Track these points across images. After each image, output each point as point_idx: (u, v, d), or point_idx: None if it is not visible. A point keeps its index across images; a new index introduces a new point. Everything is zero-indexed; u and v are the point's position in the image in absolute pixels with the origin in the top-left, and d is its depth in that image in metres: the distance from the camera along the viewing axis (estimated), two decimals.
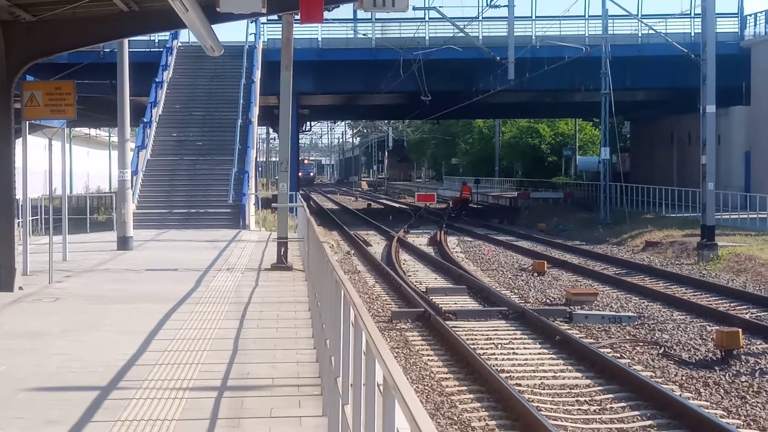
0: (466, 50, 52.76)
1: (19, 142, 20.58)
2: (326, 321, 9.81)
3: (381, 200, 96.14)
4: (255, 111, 45.51)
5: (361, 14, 56.07)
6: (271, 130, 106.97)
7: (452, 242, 43.69)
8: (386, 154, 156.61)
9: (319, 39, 56.66)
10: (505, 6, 52.40)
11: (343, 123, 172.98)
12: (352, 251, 38.41)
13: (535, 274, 30.83)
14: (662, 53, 52.87)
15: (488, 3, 49.57)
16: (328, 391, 9.10)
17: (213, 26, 20.66)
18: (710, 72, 34.95)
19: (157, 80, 46.60)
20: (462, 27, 50.28)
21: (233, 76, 48.20)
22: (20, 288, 19.29)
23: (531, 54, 52.29)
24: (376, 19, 56.82)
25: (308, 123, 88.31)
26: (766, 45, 53.45)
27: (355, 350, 6.35)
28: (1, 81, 19.05)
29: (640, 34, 56.11)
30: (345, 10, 59.01)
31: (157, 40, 53.83)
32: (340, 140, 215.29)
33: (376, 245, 42.24)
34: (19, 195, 21.23)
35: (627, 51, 54.85)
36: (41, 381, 11.11)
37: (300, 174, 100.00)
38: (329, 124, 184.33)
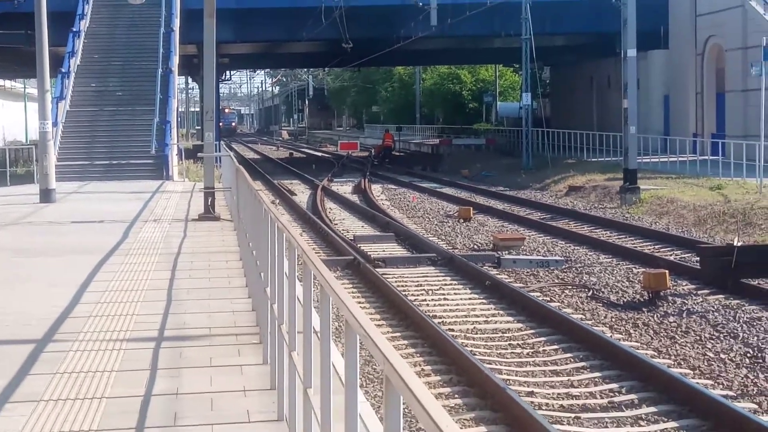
0: None
1: None
2: (264, 269, 9.76)
3: (303, 149, 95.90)
4: (175, 60, 45.01)
5: None
6: (189, 80, 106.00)
7: (377, 190, 43.73)
8: (306, 102, 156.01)
9: None
10: None
11: (262, 72, 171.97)
12: (277, 200, 38.30)
13: (461, 221, 30.96)
14: None
15: None
16: (269, 339, 9.08)
17: None
18: (631, 16, 35.15)
19: (74, 30, 45.84)
20: None
21: (152, 24, 47.54)
22: None
23: (452, 0, 52.17)
24: None
25: (228, 72, 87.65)
26: None
27: (304, 295, 6.32)
28: None
29: None
30: None
31: None
32: (260, 89, 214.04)
33: (301, 194, 42.17)
34: None
35: None
36: None
37: (221, 124, 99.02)
38: (248, 73, 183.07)
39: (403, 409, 3.60)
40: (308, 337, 6.14)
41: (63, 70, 43.11)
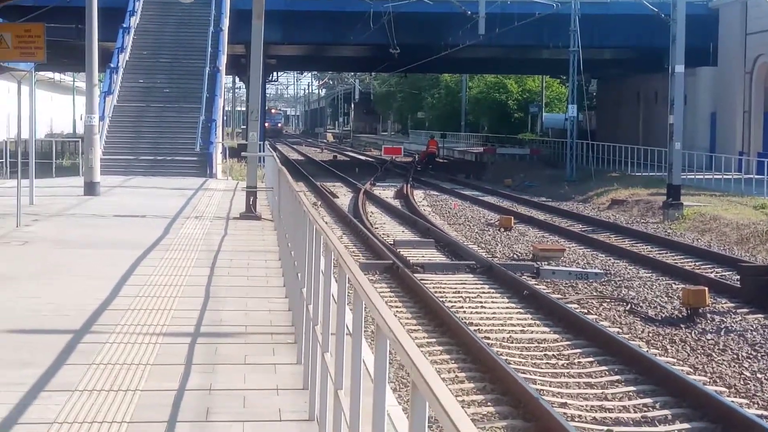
0: (437, 3, 52.57)
1: None
2: (302, 270, 9.80)
3: (347, 152, 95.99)
4: (223, 59, 45.21)
5: None
6: (236, 79, 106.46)
7: (419, 196, 43.73)
8: (352, 106, 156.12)
9: None
10: None
11: (309, 74, 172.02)
12: (319, 202, 38.36)
13: (502, 229, 30.90)
14: (631, 12, 52.94)
15: None
16: (303, 339, 9.11)
17: None
18: (680, 32, 35.00)
19: (124, 26, 46.13)
20: None
21: (201, 23, 47.78)
22: None
23: (501, 9, 52.08)
24: None
25: (275, 73, 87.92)
26: (734, 6, 53.55)
27: (339, 297, 6.35)
28: None
29: None
30: None
31: None
32: (306, 91, 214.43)
33: (343, 197, 42.24)
34: None
35: (596, 9, 54.81)
36: (13, 323, 11.06)
37: (267, 124, 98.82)
38: (295, 75, 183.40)
39: (430, 415, 3.61)
40: (340, 339, 6.17)
41: (112, 65, 43.41)
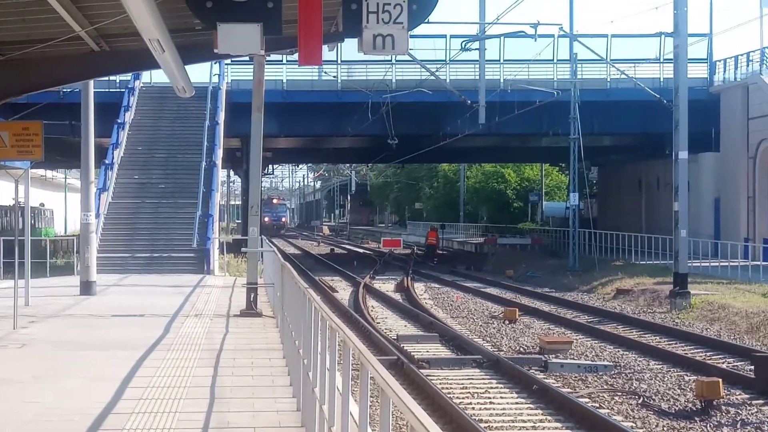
0: (436, 93, 52.33)
1: None
2: (312, 369, 9.42)
3: (344, 245, 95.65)
4: (219, 153, 45.09)
5: (326, 56, 55.63)
6: (231, 173, 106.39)
7: (420, 288, 43.29)
8: (349, 198, 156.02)
9: (284, 80, 56.22)
10: (474, 49, 51.53)
11: (304, 166, 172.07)
12: (319, 297, 37.92)
13: (507, 322, 30.45)
14: (631, 98, 52.80)
15: (462, 47, 48.81)
16: None
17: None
18: (683, 118, 34.80)
19: (118, 121, 46.11)
20: (434, 71, 49.75)
21: (196, 117, 47.81)
22: None
23: (500, 98, 51.87)
24: (342, 61, 56.42)
25: (270, 166, 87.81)
26: (735, 91, 53.50)
27: (361, 397, 5.98)
28: None
29: (609, 79, 56.07)
30: None
31: (118, 80, 53.23)
32: (302, 183, 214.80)
33: (343, 291, 41.78)
34: None
35: (596, 96, 54.71)
36: (17, 429, 10.78)
37: (266, 219, 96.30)
38: (291, 167, 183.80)
39: None
40: None
41: (106, 162, 43.25)
